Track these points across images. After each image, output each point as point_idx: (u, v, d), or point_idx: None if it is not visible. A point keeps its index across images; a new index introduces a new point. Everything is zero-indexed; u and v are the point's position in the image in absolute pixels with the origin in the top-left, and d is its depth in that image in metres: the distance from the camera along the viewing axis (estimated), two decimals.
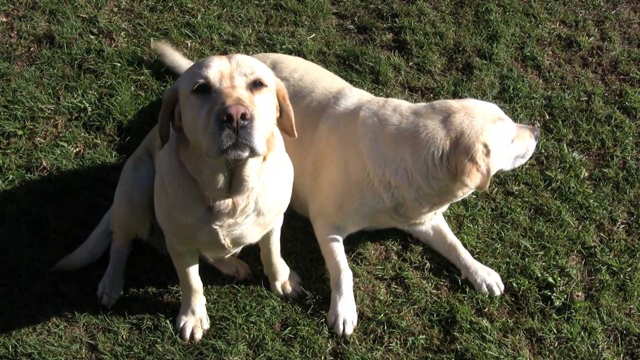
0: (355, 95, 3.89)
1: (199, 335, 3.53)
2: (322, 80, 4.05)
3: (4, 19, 4.95)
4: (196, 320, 3.55)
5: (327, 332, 3.57)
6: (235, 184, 2.78)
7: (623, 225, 4.21)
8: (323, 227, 3.83)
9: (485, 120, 3.47)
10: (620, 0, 5.71)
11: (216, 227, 2.94)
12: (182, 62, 4.62)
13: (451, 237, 3.95)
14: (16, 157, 4.18)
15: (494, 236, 4.07)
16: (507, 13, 5.49)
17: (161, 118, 2.73)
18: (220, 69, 2.53)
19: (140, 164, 3.56)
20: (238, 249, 3.36)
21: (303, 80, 4.03)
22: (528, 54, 5.18)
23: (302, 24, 5.23)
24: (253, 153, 2.47)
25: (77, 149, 4.28)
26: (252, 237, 3.15)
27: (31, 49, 4.81)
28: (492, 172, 3.49)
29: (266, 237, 3.42)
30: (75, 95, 4.51)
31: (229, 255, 3.45)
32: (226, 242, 3.03)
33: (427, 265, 3.92)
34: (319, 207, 3.86)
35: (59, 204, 3.98)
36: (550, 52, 5.25)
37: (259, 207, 2.97)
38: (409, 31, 5.22)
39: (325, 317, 3.63)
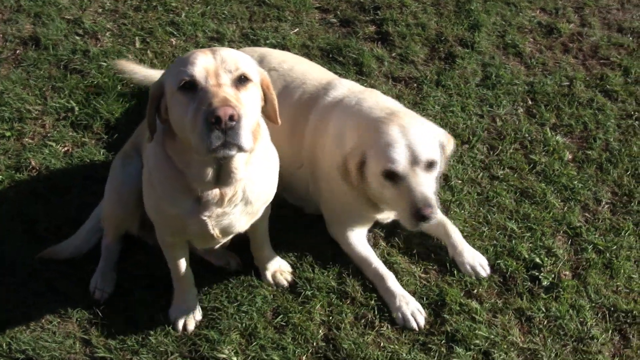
0: (345, 86, 3.91)
1: (191, 327, 3.56)
2: (312, 71, 4.09)
3: None
4: (188, 312, 3.58)
5: (319, 319, 3.60)
6: (223, 176, 2.83)
7: (608, 205, 4.26)
8: (342, 235, 3.85)
9: (379, 138, 3.41)
10: None
11: (205, 217, 2.97)
12: (151, 73, 4.55)
13: (441, 215, 3.94)
14: (5, 157, 4.20)
15: (480, 220, 4.12)
16: (488, 2, 5.57)
17: (148, 112, 2.77)
18: (206, 66, 2.56)
19: (128, 160, 3.58)
20: (228, 239, 3.39)
21: (293, 71, 4.06)
22: (509, 41, 5.25)
23: (286, 19, 5.28)
24: (241, 150, 2.54)
25: (66, 148, 4.30)
26: (241, 226, 3.19)
27: (17, 52, 4.85)
28: (369, 186, 3.52)
29: (254, 227, 3.45)
30: (62, 96, 4.54)
31: (218, 246, 3.48)
32: (215, 231, 3.07)
33: (415, 250, 3.96)
34: (328, 213, 3.90)
35: (48, 203, 4.00)
36: (531, 40, 5.32)
37: (247, 196, 3.01)
38: (391, 23, 5.29)
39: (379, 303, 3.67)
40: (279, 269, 3.78)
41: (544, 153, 4.49)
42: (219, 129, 2.44)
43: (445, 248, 3.94)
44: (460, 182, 4.29)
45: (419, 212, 3.30)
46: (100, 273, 3.69)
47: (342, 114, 3.72)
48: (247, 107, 2.59)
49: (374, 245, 3.96)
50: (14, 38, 4.92)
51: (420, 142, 3.40)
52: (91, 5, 5.23)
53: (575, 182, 4.32)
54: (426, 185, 3.37)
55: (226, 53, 2.63)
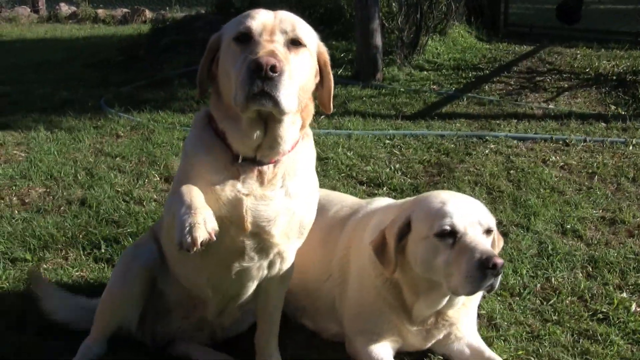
0: (389, 199, 3.82)
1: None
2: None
3: (42, 190, 5.36)
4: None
5: None
6: (266, 142, 2.69)
7: None
8: (363, 348, 3.31)
9: (432, 202, 3.13)
10: None
11: (242, 195, 2.71)
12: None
13: (489, 353, 3.36)
14: (20, 274, 4.11)
15: (530, 352, 3.48)
16: (546, 200, 5.42)
17: (202, 64, 2.78)
18: (264, 22, 2.62)
19: (142, 244, 3.35)
20: (253, 262, 2.91)
21: (330, 196, 4.01)
22: (568, 227, 4.95)
23: None
24: (277, 106, 2.48)
25: (81, 274, 4.18)
26: (277, 227, 2.79)
27: (61, 208, 5.06)
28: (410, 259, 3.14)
29: (265, 294, 3.11)
30: (94, 239, 4.57)
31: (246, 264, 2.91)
32: (247, 216, 2.72)
33: None
34: (352, 323, 3.43)
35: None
36: (592, 227, 5.01)
37: (287, 185, 2.79)
38: None
39: None
40: None
41: (606, 304, 3.94)
42: (259, 76, 2.42)
43: None
44: (506, 323, 3.76)
45: (487, 261, 2.85)
46: None
47: (386, 209, 3.52)
48: (294, 68, 2.56)
49: None
50: (62, 199, 5.21)
51: (480, 208, 3.16)
52: (145, 185, 5.54)
53: None
54: (489, 246, 3.00)
55: (286, 14, 2.69)
